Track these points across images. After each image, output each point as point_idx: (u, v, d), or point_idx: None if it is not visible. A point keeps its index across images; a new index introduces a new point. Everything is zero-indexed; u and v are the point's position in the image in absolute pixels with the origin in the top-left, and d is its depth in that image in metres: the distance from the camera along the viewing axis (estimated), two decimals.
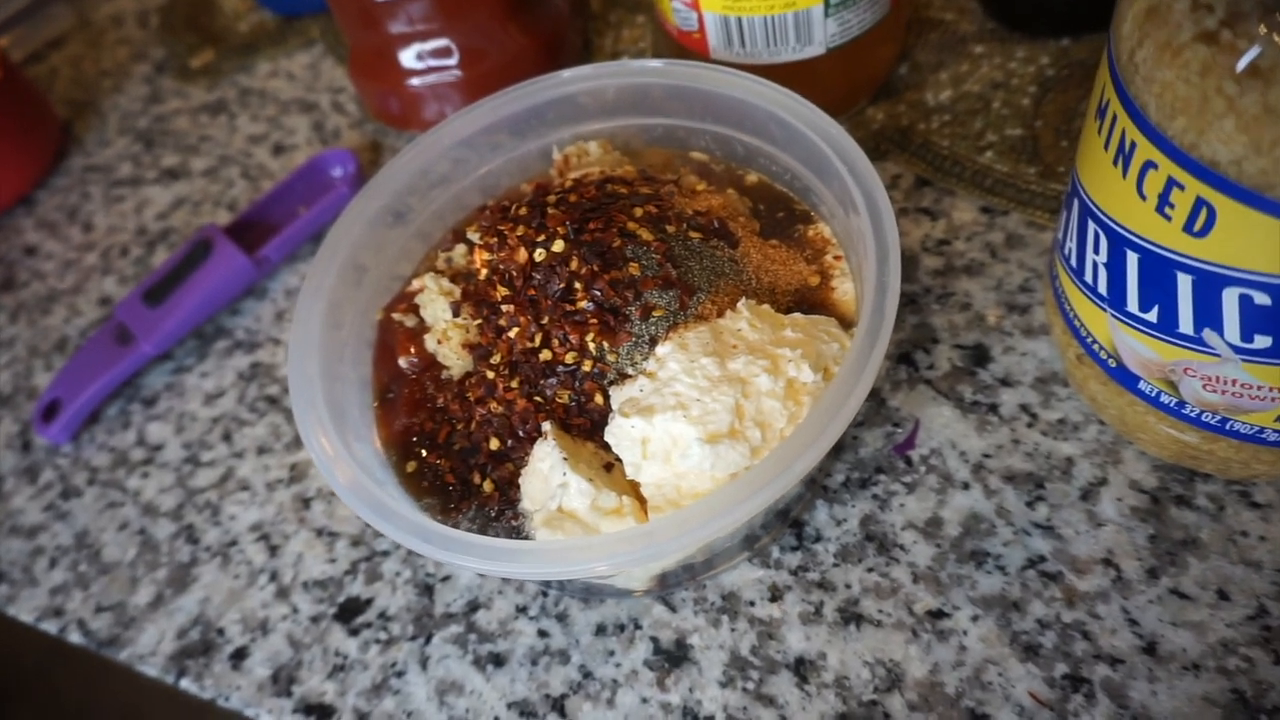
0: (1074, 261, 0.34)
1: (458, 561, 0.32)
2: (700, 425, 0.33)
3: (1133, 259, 0.30)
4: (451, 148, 0.46)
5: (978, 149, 0.49)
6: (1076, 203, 0.33)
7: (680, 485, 0.33)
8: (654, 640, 0.39)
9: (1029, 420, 0.41)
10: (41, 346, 0.58)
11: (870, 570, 0.39)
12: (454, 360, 0.40)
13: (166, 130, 0.67)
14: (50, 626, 0.46)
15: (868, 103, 0.53)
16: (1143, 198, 0.28)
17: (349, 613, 0.43)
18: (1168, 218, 0.28)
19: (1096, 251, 0.32)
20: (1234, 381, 0.30)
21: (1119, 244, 0.31)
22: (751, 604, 0.39)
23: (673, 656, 0.39)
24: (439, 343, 0.40)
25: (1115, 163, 0.29)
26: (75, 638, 0.46)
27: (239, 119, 0.66)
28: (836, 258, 0.40)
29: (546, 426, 0.36)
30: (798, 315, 0.37)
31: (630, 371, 0.36)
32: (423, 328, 0.41)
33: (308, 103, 0.66)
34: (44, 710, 1.35)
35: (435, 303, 0.40)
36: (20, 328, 0.59)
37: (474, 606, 0.42)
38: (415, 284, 0.42)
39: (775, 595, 0.39)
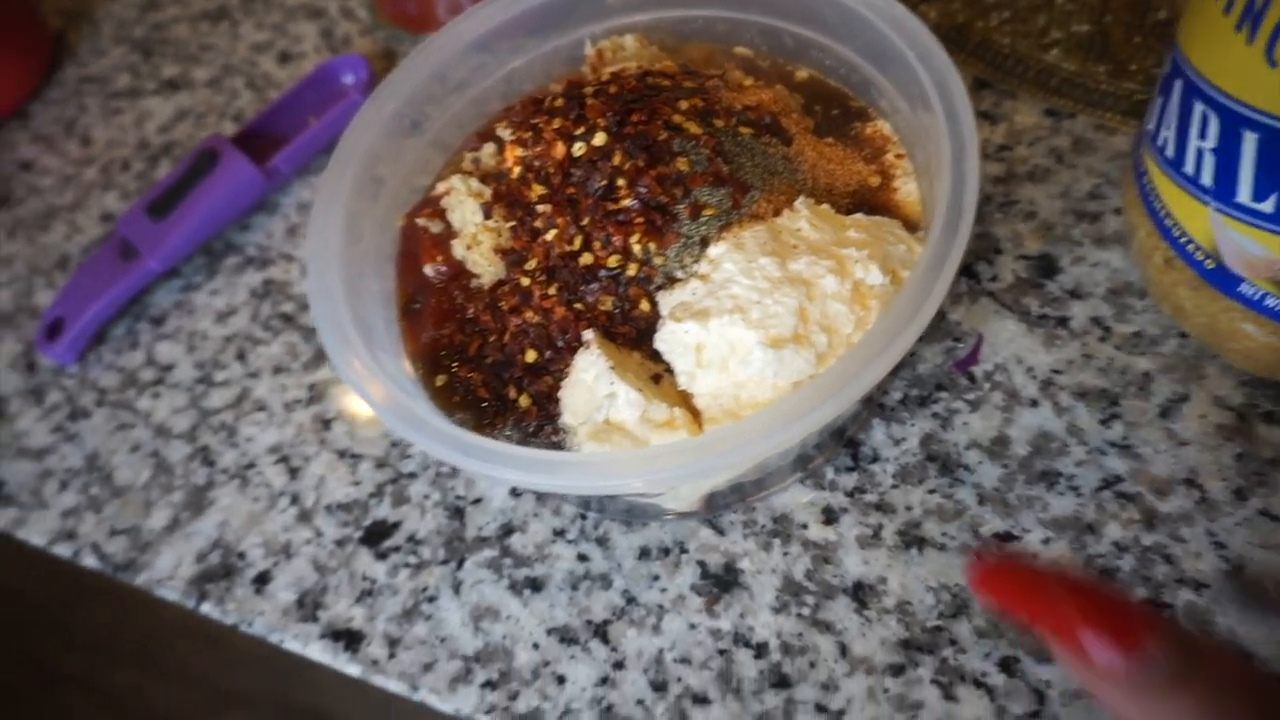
0: (1170, 151, 0.31)
1: (525, 481, 0.29)
2: (761, 329, 0.30)
3: (1250, 140, 0.27)
4: (468, 50, 0.43)
5: (1041, 47, 0.46)
6: (1179, 84, 0.30)
7: (739, 395, 0.31)
8: (701, 564, 0.37)
9: (1101, 334, 0.39)
10: (42, 264, 0.55)
11: (932, 492, 0.37)
12: (485, 267, 0.37)
13: (165, 39, 0.63)
14: (63, 550, 0.44)
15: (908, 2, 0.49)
16: (1272, 65, 0.25)
17: (376, 536, 0.41)
18: None
19: (1203, 136, 0.29)
20: None
21: (1234, 124, 0.27)
22: (804, 527, 0.37)
23: (722, 581, 0.37)
24: (468, 248, 0.37)
25: (1239, 27, 0.26)
26: (90, 561, 0.44)
27: (242, 26, 0.62)
28: (898, 156, 0.37)
29: (589, 335, 0.33)
30: (859, 216, 0.34)
31: (679, 275, 0.33)
32: (450, 233, 0.38)
33: (315, 8, 0.62)
34: (70, 640, 1.36)
35: (464, 205, 0.37)
36: (19, 245, 0.56)
37: (508, 530, 0.40)
38: (440, 187, 0.39)
39: (830, 518, 0.37)
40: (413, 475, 0.42)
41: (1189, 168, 0.30)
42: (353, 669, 0.38)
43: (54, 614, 1.39)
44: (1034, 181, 0.43)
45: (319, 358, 0.47)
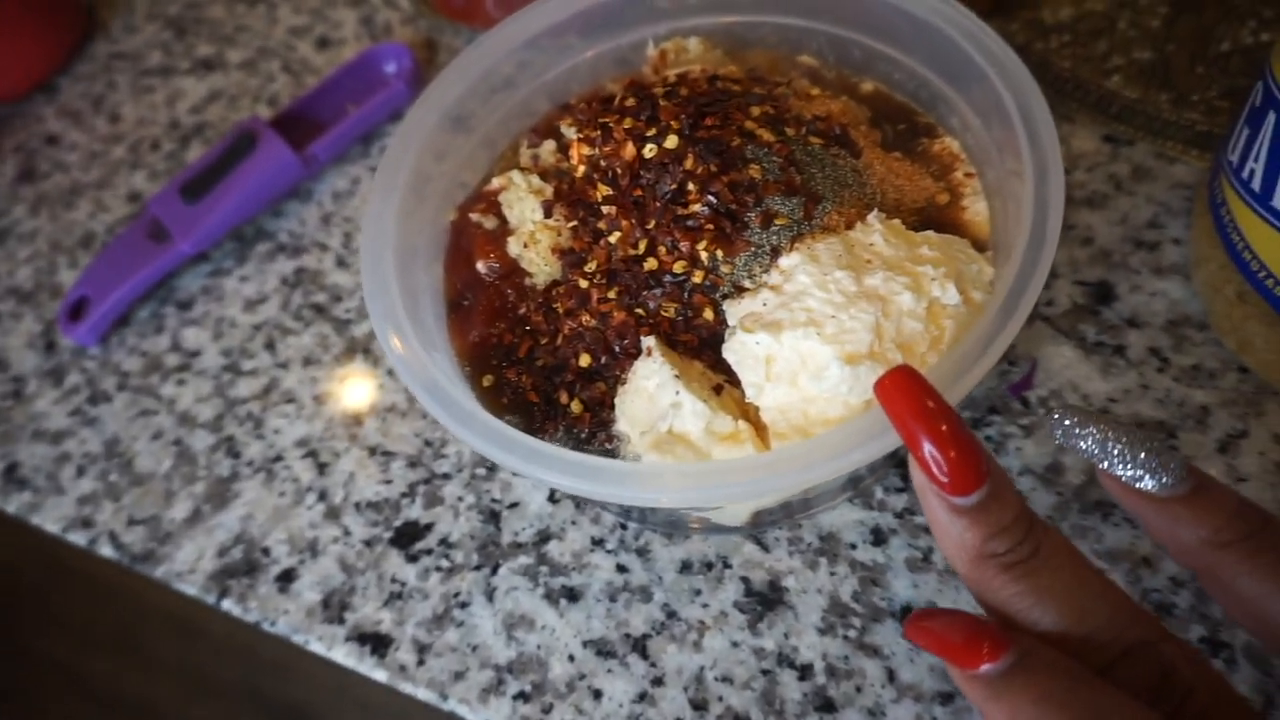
0: (1257, 185, 0.31)
1: (594, 492, 0.28)
2: (837, 344, 0.29)
3: None
4: (517, 48, 0.42)
5: (1102, 72, 0.45)
6: (1272, 116, 0.29)
7: (808, 410, 0.30)
8: (745, 581, 0.36)
9: (1159, 364, 0.38)
10: (65, 242, 0.53)
11: None
12: (540, 266, 0.36)
13: (200, 19, 0.62)
14: (79, 538, 0.43)
15: (980, 19, 0.49)
16: None
17: (407, 538, 0.40)
18: None
19: None
20: None
21: None
22: (853, 547, 0.36)
23: (766, 599, 0.36)
24: (524, 246, 0.36)
25: None
26: (107, 551, 0.42)
27: (279, 9, 0.61)
28: (968, 175, 0.36)
29: (650, 342, 0.32)
30: (930, 233, 0.34)
31: (747, 284, 0.32)
32: (504, 230, 0.37)
33: None
34: (46, 624, 1.34)
35: (523, 201, 0.36)
36: (42, 221, 0.55)
37: (545, 537, 0.39)
38: (497, 182, 0.38)
39: (879, 539, 0.36)
40: (446, 476, 0.41)
41: (1278, 202, 0.30)
42: (379, 674, 0.37)
43: (30, 597, 1.37)
44: (1091, 207, 0.42)
45: (351, 350, 0.46)
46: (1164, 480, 0.24)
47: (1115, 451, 0.24)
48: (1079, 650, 0.22)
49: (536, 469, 0.29)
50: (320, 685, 1.21)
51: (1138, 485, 0.24)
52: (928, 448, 0.23)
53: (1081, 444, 0.25)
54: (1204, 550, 0.23)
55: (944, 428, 0.23)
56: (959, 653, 0.22)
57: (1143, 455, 0.24)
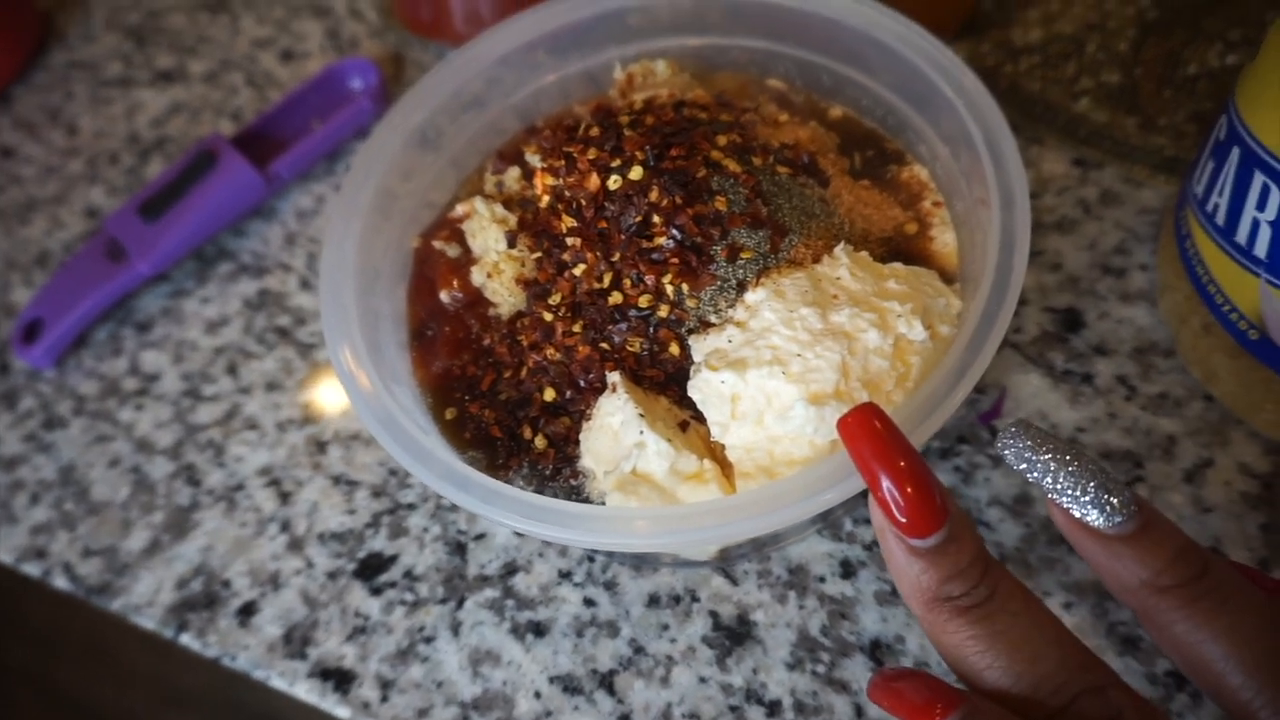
0: (1220, 219, 0.31)
1: (543, 533, 0.28)
2: (802, 384, 0.29)
3: None
4: (488, 66, 0.41)
5: (1071, 95, 0.45)
6: (1236, 151, 0.29)
7: (773, 450, 0.29)
8: (713, 615, 0.36)
9: (1126, 393, 0.38)
10: (20, 259, 0.52)
11: None
12: (504, 297, 0.36)
13: (160, 28, 0.61)
14: (32, 569, 0.42)
15: (950, 40, 0.49)
16: None
17: (370, 570, 0.39)
18: None
19: (1261, 208, 0.28)
20: None
21: None
22: (822, 580, 0.36)
23: (734, 634, 0.36)
24: (488, 276, 0.36)
25: None
26: (61, 583, 0.41)
27: (242, 20, 0.60)
28: (936, 204, 0.36)
29: (615, 377, 0.32)
30: (898, 265, 0.33)
31: (713, 319, 0.32)
32: (468, 258, 0.37)
33: (321, 7, 0.60)
34: (13, 634, 1.31)
35: (486, 231, 0.36)
36: None
37: (511, 569, 0.38)
38: (461, 209, 0.37)
39: (848, 571, 0.36)
40: (412, 506, 0.40)
41: (1241, 237, 0.30)
42: (342, 712, 0.36)
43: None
44: (1060, 232, 0.42)
45: (315, 375, 0.45)
46: (1112, 517, 0.23)
47: (1065, 482, 0.24)
48: (1029, 696, 0.22)
49: (494, 510, 0.28)
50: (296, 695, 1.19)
51: (1085, 519, 0.24)
52: (887, 487, 0.23)
53: (1031, 470, 0.24)
54: (1143, 592, 0.23)
55: (904, 466, 0.23)
56: (918, 713, 0.22)
57: (1093, 488, 0.24)
